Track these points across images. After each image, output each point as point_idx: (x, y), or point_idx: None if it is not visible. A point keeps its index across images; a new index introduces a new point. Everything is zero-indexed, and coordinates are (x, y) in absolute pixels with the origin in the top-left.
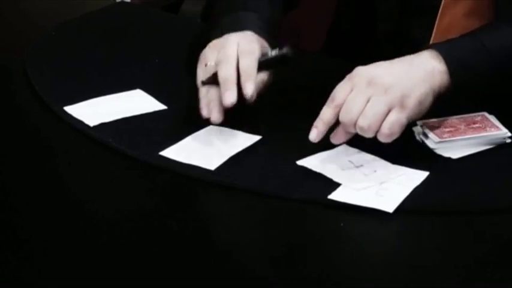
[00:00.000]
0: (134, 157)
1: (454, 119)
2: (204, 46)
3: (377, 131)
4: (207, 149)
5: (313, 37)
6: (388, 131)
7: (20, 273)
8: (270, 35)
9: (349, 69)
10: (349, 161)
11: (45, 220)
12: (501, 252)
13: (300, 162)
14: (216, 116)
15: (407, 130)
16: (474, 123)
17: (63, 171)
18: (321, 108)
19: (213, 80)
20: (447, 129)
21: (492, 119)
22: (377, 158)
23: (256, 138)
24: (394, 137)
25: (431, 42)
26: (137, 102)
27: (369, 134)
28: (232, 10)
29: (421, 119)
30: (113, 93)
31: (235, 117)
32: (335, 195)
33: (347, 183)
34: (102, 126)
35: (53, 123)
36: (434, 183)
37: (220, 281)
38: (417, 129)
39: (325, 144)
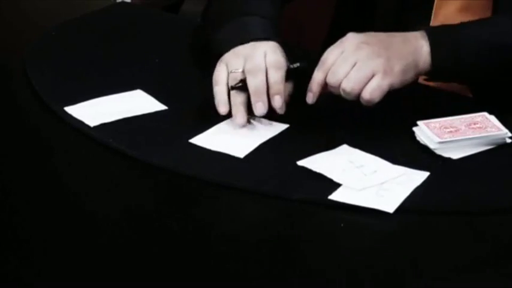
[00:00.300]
0: (134, 157)
1: (454, 120)
2: (205, 47)
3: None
4: (235, 137)
5: (313, 33)
6: (369, 96)
7: (20, 273)
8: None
9: None
10: (350, 161)
11: (45, 220)
12: (501, 252)
13: (300, 163)
14: (240, 120)
15: (408, 130)
16: (474, 124)
17: (63, 172)
18: (321, 110)
19: (241, 87)
20: (448, 130)
21: (492, 119)
22: (377, 158)
23: (283, 126)
24: (374, 102)
25: None
26: (137, 103)
27: (351, 97)
28: (236, 14)
29: (423, 118)
30: (113, 93)
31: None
32: (335, 196)
33: (347, 184)
34: (103, 126)
35: (53, 124)
36: (435, 183)
37: (219, 281)
38: (418, 130)
39: (326, 144)
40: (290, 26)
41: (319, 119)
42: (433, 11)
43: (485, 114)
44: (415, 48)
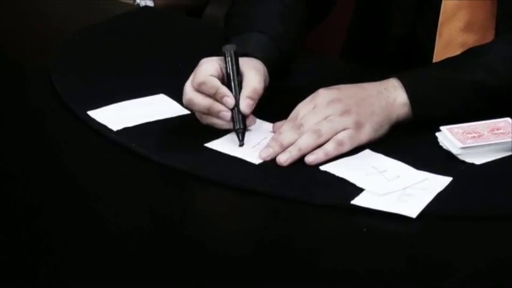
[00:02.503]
0: (157, 161)
1: (477, 125)
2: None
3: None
4: (250, 144)
5: (331, 40)
6: (340, 140)
7: (36, 273)
8: (280, 50)
9: (366, 75)
10: (373, 166)
11: (64, 222)
12: None
13: (323, 168)
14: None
15: (431, 136)
16: (497, 129)
17: (85, 175)
18: None
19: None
20: (470, 135)
21: None
22: (400, 163)
23: None
24: (341, 150)
25: (434, 55)
26: (160, 107)
27: (318, 140)
28: (243, 29)
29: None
30: (136, 97)
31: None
32: (358, 201)
33: (370, 189)
34: (125, 130)
35: (76, 128)
36: (458, 188)
37: (237, 282)
38: (441, 135)
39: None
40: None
41: None
42: (438, 30)
43: (508, 119)
44: (387, 102)
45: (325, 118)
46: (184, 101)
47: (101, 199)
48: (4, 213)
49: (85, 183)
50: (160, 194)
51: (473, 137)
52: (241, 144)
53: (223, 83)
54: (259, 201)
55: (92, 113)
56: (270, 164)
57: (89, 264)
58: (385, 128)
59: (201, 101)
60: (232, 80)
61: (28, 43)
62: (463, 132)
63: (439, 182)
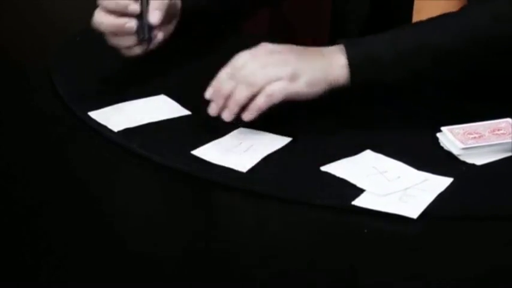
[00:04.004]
0: (158, 162)
1: (478, 126)
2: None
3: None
4: (238, 151)
5: (310, 29)
6: (270, 91)
7: (36, 274)
8: None
9: None
10: (373, 167)
11: (64, 223)
12: None
13: (323, 168)
14: None
15: (432, 136)
16: (498, 130)
17: (85, 175)
18: (343, 115)
19: None
20: (471, 136)
21: None
22: (401, 164)
23: (287, 140)
24: (271, 102)
25: None
26: (161, 108)
27: (251, 90)
28: None
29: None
30: (137, 98)
31: (262, 120)
32: (359, 201)
33: (371, 189)
34: (126, 131)
35: (77, 128)
36: (459, 189)
37: (238, 282)
38: (441, 136)
39: (349, 150)
40: (285, 24)
41: (342, 124)
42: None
43: (509, 120)
44: (327, 63)
45: (262, 67)
46: (92, 23)
47: (101, 199)
48: (4, 213)
49: (85, 183)
50: (161, 194)
51: (474, 137)
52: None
53: None
54: (259, 202)
55: (93, 114)
56: (274, 162)
57: (89, 264)
58: (321, 86)
59: (108, 19)
60: None
61: (28, 43)
62: (463, 133)
63: (440, 183)
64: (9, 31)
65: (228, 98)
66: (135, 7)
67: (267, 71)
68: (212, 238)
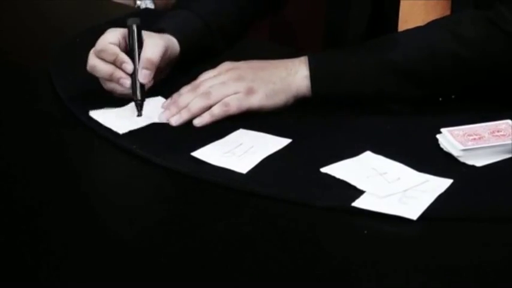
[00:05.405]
0: (158, 163)
1: (478, 127)
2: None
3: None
4: (237, 152)
5: (308, 36)
6: (226, 102)
7: (36, 273)
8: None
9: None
10: (373, 168)
11: (65, 223)
12: None
13: (323, 170)
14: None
15: (432, 138)
16: (498, 131)
17: (85, 175)
18: (343, 117)
19: None
20: (471, 137)
21: None
22: (401, 165)
23: (286, 141)
24: (227, 112)
25: None
26: (159, 109)
27: (207, 102)
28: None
29: (447, 125)
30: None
31: (262, 122)
32: (359, 203)
33: (371, 191)
34: (126, 132)
35: (76, 129)
36: (458, 190)
37: (238, 282)
38: (441, 137)
39: (349, 151)
40: (284, 29)
41: (342, 125)
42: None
43: (509, 121)
44: (287, 74)
45: (220, 83)
46: (87, 67)
47: (101, 199)
48: (4, 213)
49: (85, 183)
50: (161, 195)
51: (474, 139)
52: (139, 115)
53: (126, 52)
54: (259, 204)
55: (93, 115)
56: (274, 163)
57: (89, 264)
58: (281, 98)
59: (103, 67)
60: (134, 51)
61: (28, 44)
62: (463, 134)
63: (440, 184)
64: (10, 32)
65: (182, 108)
66: (130, 67)
67: (224, 86)
68: (212, 238)
